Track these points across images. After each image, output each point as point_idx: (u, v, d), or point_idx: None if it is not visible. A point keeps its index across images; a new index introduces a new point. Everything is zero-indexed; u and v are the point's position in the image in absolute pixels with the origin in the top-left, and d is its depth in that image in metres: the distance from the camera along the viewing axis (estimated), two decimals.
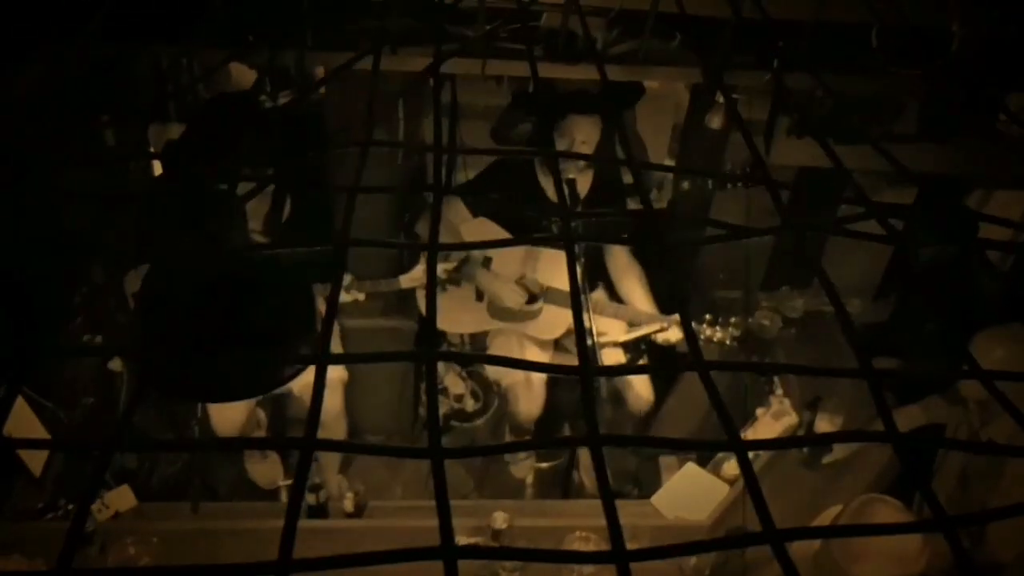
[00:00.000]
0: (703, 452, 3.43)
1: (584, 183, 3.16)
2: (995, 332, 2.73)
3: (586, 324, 2.97)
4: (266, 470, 3.44)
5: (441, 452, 0.63)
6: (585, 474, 3.54)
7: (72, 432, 2.97)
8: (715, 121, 2.81)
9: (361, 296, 3.36)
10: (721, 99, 2.70)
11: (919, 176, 1.13)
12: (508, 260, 3.22)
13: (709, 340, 3.15)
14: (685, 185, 3.17)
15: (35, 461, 2.81)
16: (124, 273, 3.03)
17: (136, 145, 3.47)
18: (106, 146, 3.21)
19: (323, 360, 0.68)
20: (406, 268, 3.30)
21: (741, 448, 0.58)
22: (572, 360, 3.30)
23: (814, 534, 0.76)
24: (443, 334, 3.59)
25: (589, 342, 2.97)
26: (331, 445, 0.93)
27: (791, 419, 3.13)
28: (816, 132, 3.38)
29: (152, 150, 3.86)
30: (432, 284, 0.74)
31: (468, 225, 3.23)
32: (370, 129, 1.05)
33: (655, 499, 2.84)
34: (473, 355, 3.10)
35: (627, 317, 3.25)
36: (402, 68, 2.15)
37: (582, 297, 3.05)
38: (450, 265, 3.23)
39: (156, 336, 1.11)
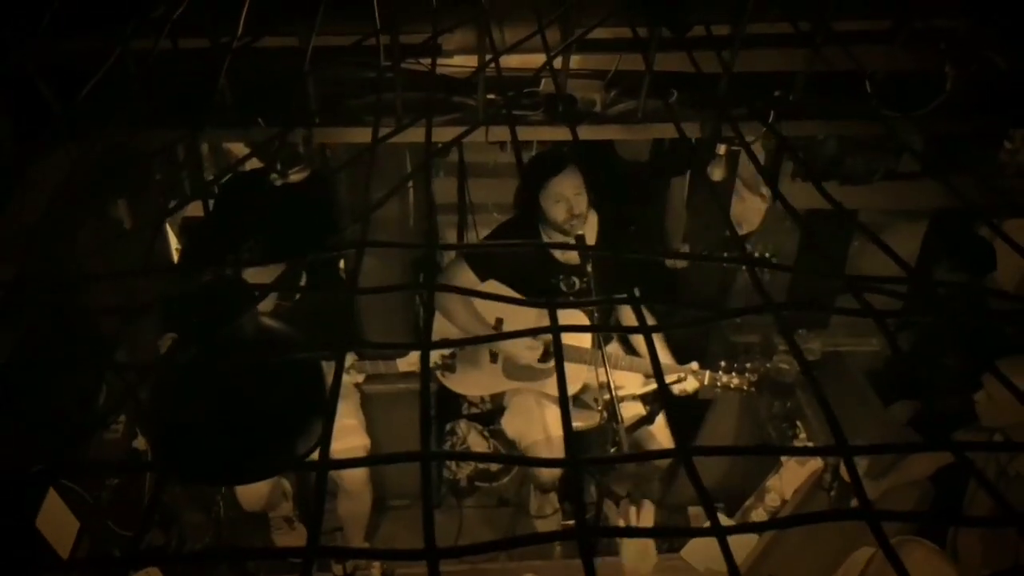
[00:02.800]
0: (731, 501, 3.41)
1: (589, 235, 3.19)
2: (1013, 362, 2.72)
3: (603, 378, 2.98)
4: (293, 541, 3.44)
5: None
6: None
7: (99, 514, 2.99)
8: (717, 173, 2.85)
9: (360, 378, 3.41)
10: (722, 151, 2.75)
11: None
12: (521, 318, 3.24)
13: (727, 387, 3.15)
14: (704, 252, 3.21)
15: (62, 545, 2.83)
16: (150, 352, 3.08)
17: (154, 223, 3.56)
18: (122, 226, 3.29)
19: (324, 466, 0.71)
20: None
21: (722, 533, 0.60)
22: (590, 416, 3.31)
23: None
24: (463, 397, 3.61)
25: (607, 396, 2.97)
26: (331, 552, 0.95)
27: (816, 463, 3.11)
28: (816, 177, 3.43)
29: (168, 227, 3.95)
30: (426, 382, 0.77)
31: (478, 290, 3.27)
32: (368, 203, 1.09)
33: (685, 552, 2.82)
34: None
35: (643, 369, 3.26)
36: (407, 140, 2.20)
37: (598, 351, 3.07)
38: (447, 352, 3.26)
39: (170, 422, 1.15)
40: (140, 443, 3.26)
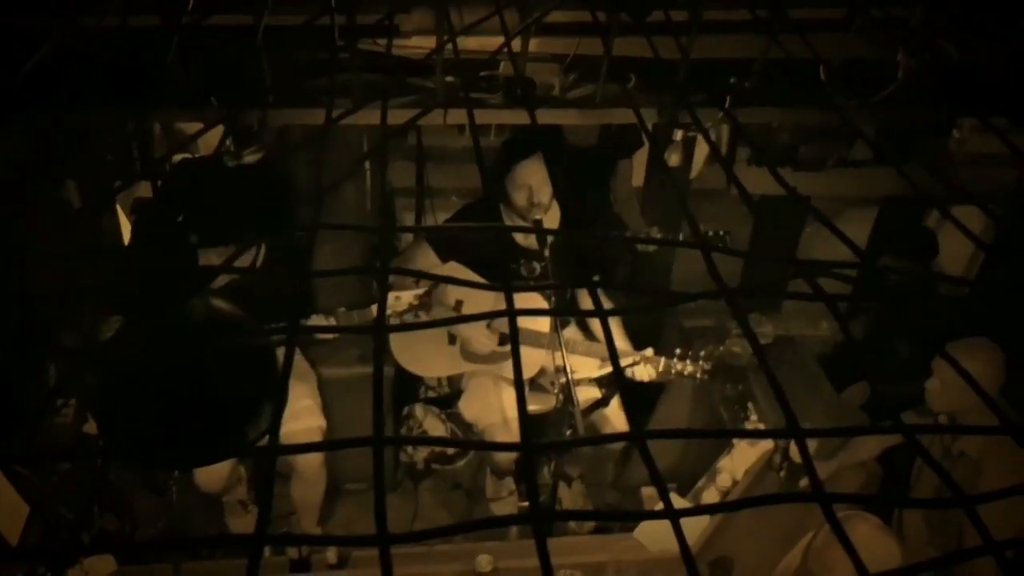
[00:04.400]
0: (683, 482, 3.46)
1: (552, 220, 3.20)
2: (961, 346, 2.78)
3: (560, 362, 3.00)
4: (247, 525, 3.41)
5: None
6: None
7: (48, 498, 2.94)
8: (674, 158, 2.87)
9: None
10: (679, 137, 2.76)
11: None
12: (480, 303, 3.24)
13: (680, 374, 3.17)
14: (656, 231, 3.23)
15: (11, 530, 2.78)
16: (96, 334, 3.03)
17: (103, 204, 3.48)
18: (72, 207, 3.23)
19: (273, 451, 0.70)
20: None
21: (675, 516, 0.61)
22: (547, 400, 3.33)
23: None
24: (421, 380, 3.60)
25: (563, 380, 2.99)
26: (279, 540, 0.93)
27: (766, 445, 3.17)
28: (771, 163, 3.47)
29: (119, 209, 3.88)
30: (379, 367, 0.77)
31: (438, 271, 3.26)
32: (320, 182, 1.08)
33: (637, 533, 2.85)
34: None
35: (600, 354, 3.28)
36: (363, 122, 2.18)
37: (555, 335, 3.08)
38: (420, 291, 3.22)
39: (118, 407, 1.13)
40: (90, 427, 3.21)
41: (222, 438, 1.15)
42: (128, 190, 4.07)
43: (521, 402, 0.70)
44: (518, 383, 0.76)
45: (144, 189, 4.06)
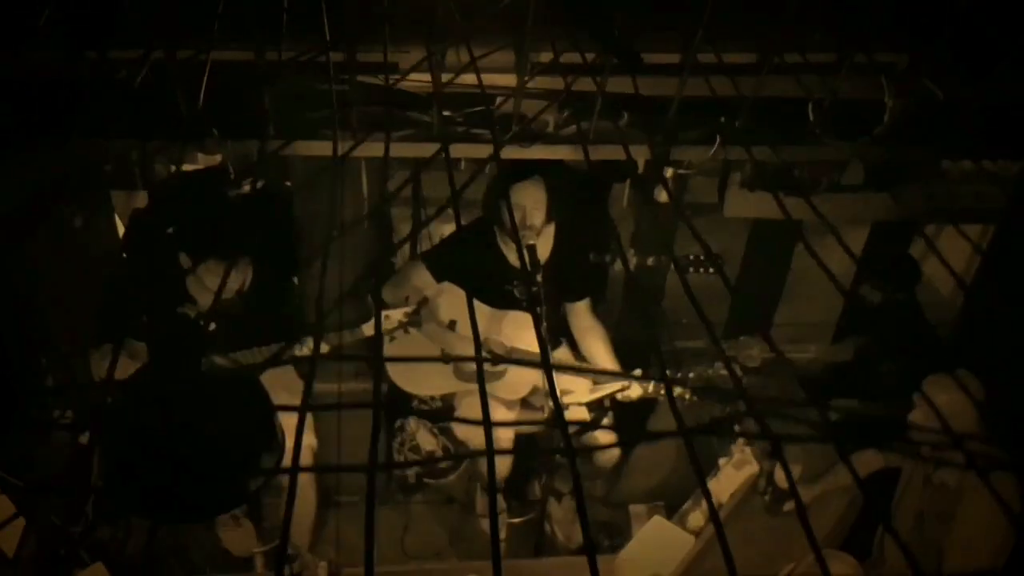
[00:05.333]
0: (670, 502, 3.51)
1: (544, 247, 3.25)
2: (941, 378, 2.84)
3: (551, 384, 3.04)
4: (240, 538, 3.45)
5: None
6: (557, 527, 3.60)
7: (43, 510, 2.98)
8: (663, 195, 2.92)
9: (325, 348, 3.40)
10: (669, 175, 2.81)
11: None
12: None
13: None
14: (650, 261, 3.28)
15: (7, 542, 2.82)
16: (89, 348, 3.08)
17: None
18: (70, 220, 3.27)
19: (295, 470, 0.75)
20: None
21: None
22: (538, 416, 3.38)
23: None
24: (412, 396, 3.65)
25: (552, 402, 3.04)
26: None
27: (752, 468, 3.22)
28: (767, 186, 3.53)
29: (117, 219, 3.92)
30: (378, 390, 0.82)
31: (432, 290, 3.31)
32: (334, 215, 1.13)
33: (623, 556, 2.91)
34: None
35: (590, 374, 3.33)
36: (366, 154, 2.23)
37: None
38: (410, 308, 3.26)
39: (117, 461, 1.18)
40: (86, 439, 3.24)
41: (224, 492, 1.19)
42: (127, 199, 4.12)
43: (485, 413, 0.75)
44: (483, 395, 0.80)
45: (143, 199, 4.11)
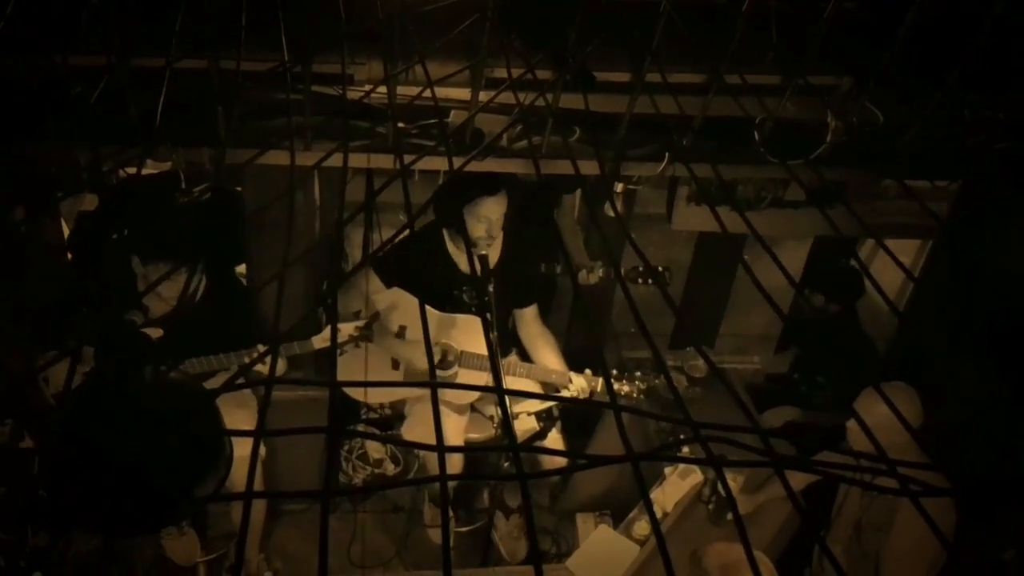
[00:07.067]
0: (617, 511, 3.56)
1: (494, 255, 3.27)
2: (868, 396, 2.91)
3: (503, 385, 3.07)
4: (183, 546, 3.42)
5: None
6: (502, 542, 3.63)
7: None
8: (611, 210, 2.97)
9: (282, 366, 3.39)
10: (619, 189, 2.86)
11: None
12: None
13: (618, 393, 3.27)
14: (600, 272, 3.32)
15: None
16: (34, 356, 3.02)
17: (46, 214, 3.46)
18: (13, 218, 3.20)
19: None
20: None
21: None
22: (485, 429, 3.41)
23: None
24: (362, 402, 3.65)
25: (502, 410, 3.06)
26: None
27: (697, 477, 3.29)
28: (711, 202, 3.60)
29: (63, 221, 3.86)
30: (334, 415, 0.84)
31: (382, 296, 3.32)
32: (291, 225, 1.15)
33: (570, 563, 2.94)
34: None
35: (539, 376, 3.36)
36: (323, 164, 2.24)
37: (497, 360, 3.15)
38: (361, 322, 3.27)
39: (61, 474, 1.17)
40: (28, 443, 3.18)
41: (171, 502, 1.19)
42: (73, 202, 4.05)
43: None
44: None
45: (89, 202, 4.05)
